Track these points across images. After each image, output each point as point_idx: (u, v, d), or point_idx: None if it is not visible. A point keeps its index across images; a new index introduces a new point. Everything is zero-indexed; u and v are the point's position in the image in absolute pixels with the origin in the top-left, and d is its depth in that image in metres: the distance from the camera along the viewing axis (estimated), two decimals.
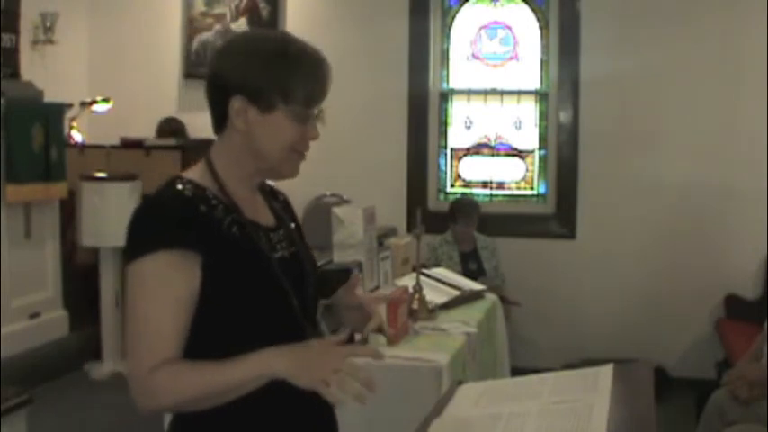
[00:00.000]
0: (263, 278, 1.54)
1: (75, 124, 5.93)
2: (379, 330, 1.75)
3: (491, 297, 3.68)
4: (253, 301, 1.52)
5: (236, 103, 1.53)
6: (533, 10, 5.89)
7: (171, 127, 6.14)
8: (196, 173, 1.59)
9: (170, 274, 1.46)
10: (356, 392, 1.40)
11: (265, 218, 1.65)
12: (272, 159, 1.56)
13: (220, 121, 1.58)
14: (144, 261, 1.46)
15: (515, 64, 5.95)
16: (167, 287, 1.46)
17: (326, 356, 1.44)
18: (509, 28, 5.95)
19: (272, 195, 1.74)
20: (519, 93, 5.94)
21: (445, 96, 6.03)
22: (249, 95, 1.52)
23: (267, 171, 1.61)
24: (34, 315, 5.13)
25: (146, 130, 5.98)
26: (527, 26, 5.91)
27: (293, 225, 1.73)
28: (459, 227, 5.38)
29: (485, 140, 6.01)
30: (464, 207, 5.43)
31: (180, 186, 1.54)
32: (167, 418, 1.65)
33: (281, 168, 1.58)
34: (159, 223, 1.48)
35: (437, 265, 4.67)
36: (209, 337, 1.50)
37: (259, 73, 1.52)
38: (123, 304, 5.31)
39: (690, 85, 5.53)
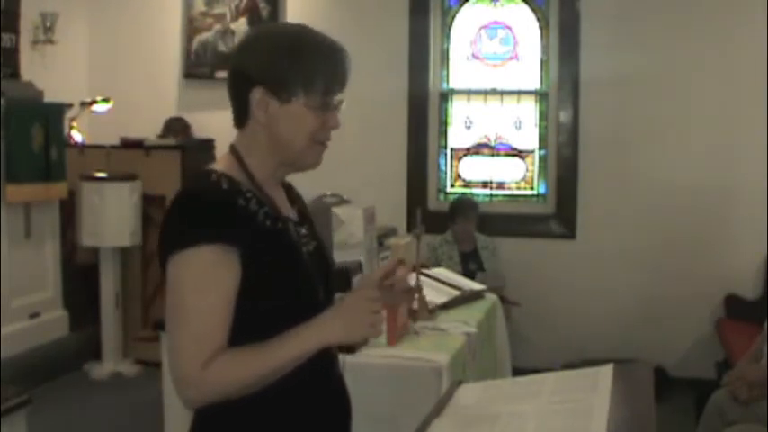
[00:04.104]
0: (296, 271, 1.57)
1: (75, 124, 5.92)
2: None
3: (491, 297, 3.67)
4: (285, 293, 1.54)
5: (257, 95, 1.55)
6: (533, 10, 5.89)
7: (178, 126, 6.14)
8: (225, 165, 1.59)
9: (216, 268, 1.47)
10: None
11: (290, 213, 1.68)
12: (294, 149, 1.58)
13: (242, 114, 1.60)
14: (189, 254, 1.47)
15: (515, 64, 5.95)
16: (215, 280, 1.47)
17: (361, 305, 1.52)
18: (509, 28, 5.95)
19: (289, 190, 1.76)
20: (519, 93, 5.94)
21: (445, 96, 6.03)
22: (269, 86, 1.55)
23: (290, 163, 1.62)
24: (34, 315, 5.13)
25: (146, 130, 5.98)
26: (527, 26, 5.91)
27: None
28: (458, 225, 5.39)
29: (485, 140, 6.01)
30: (462, 206, 5.45)
31: (215, 178, 1.55)
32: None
33: (303, 159, 1.60)
34: (202, 217, 1.49)
35: (437, 265, 4.67)
36: (239, 327, 1.51)
37: (278, 64, 1.55)
38: (122, 303, 5.20)
39: (690, 86, 5.53)
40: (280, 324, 1.51)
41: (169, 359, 1.48)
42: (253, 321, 1.51)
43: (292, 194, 1.75)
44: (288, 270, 1.55)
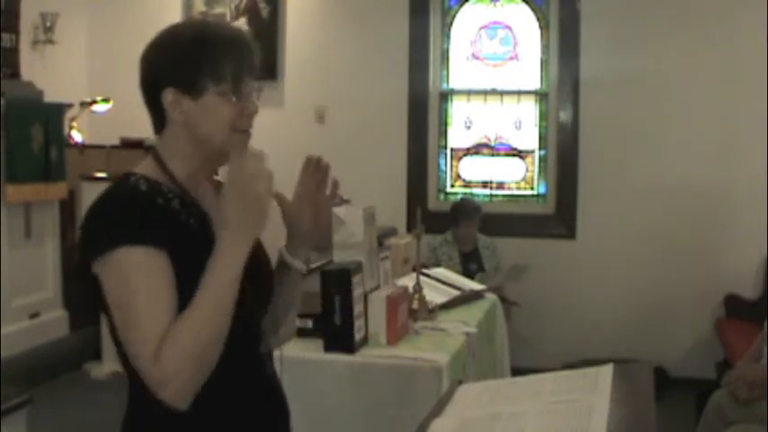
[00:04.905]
0: None
1: (75, 124, 5.93)
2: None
3: (491, 297, 3.67)
4: None
5: (169, 96, 1.54)
6: (533, 10, 5.90)
7: None
8: (146, 169, 1.58)
9: (145, 265, 1.44)
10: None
11: None
12: (216, 143, 1.55)
13: (159, 118, 1.59)
14: (114, 257, 1.43)
15: (515, 64, 5.95)
16: (148, 277, 1.43)
17: (243, 180, 1.45)
18: (509, 28, 5.95)
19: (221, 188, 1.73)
20: (519, 93, 5.94)
21: (445, 96, 6.03)
22: (179, 85, 1.53)
23: (215, 158, 1.59)
24: (34, 315, 5.13)
25: (146, 130, 5.95)
26: (527, 26, 5.91)
27: None
28: (462, 229, 5.38)
29: (485, 140, 6.01)
30: (465, 209, 5.44)
31: (134, 181, 1.53)
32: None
33: (227, 151, 1.56)
34: (121, 219, 1.46)
35: (437, 265, 4.67)
36: None
37: (182, 61, 1.54)
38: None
39: (690, 85, 5.53)
40: None
41: (135, 368, 1.44)
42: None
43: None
44: None
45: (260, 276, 1.63)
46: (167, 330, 1.42)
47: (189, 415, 1.49)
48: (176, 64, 1.54)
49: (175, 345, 1.41)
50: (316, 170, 1.71)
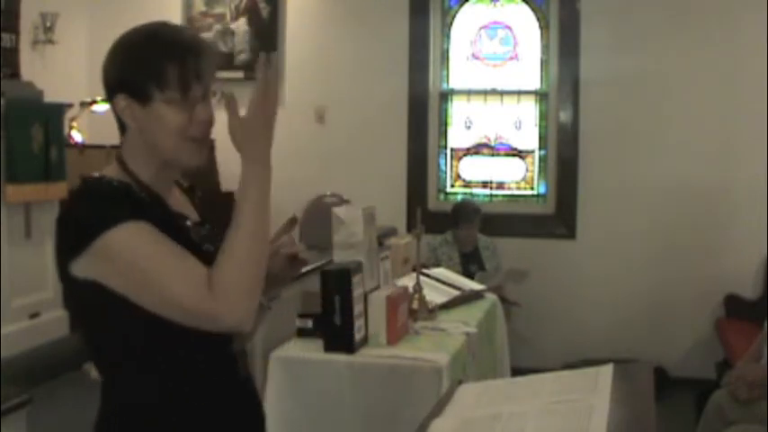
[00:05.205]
0: None
1: (75, 124, 5.92)
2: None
3: (491, 297, 3.67)
4: None
5: (120, 102, 1.53)
6: (533, 10, 5.90)
7: None
8: (113, 172, 1.56)
9: (147, 233, 1.44)
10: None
11: (189, 213, 1.65)
12: (166, 150, 1.53)
13: (121, 122, 1.57)
14: (113, 236, 1.42)
15: (515, 64, 5.95)
16: (154, 240, 1.44)
17: (257, 111, 1.48)
18: (509, 28, 5.95)
19: (191, 192, 1.73)
20: (519, 93, 5.94)
21: (445, 96, 6.03)
22: (128, 91, 1.51)
23: (169, 164, 1.57)
24: (34, 315, 5.11)
25: None
26: (527, 26, 5.92)
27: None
28: (462, 231, 5.39)
29: (485, 140, 6.01)
30: (465, 211, 5.44)
31: (107, 179, 1.53)
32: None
33: (179, 158, 1.54)
34: (98, 208, 1.46)
35: (437, 265, 4.67)
36: (139, 324, 1.47)
37: (128, 66, 1.52)
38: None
39: (690, 85, 5.53)
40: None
41: (189, 321, 1.43)
42: (153, 318, 1.46)
43: (193, 196, 1.72)
44: None
45: None
46: (204, 269, 1.43)
47: (162, 414, 1.52)
48: (123, 70, 1.53)
49: (229, 271, 1.42)
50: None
